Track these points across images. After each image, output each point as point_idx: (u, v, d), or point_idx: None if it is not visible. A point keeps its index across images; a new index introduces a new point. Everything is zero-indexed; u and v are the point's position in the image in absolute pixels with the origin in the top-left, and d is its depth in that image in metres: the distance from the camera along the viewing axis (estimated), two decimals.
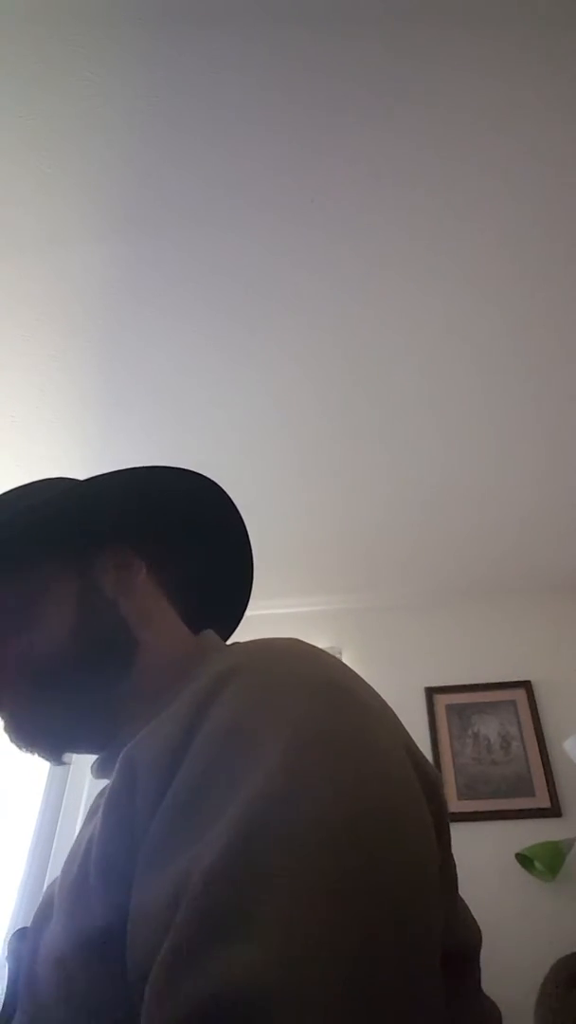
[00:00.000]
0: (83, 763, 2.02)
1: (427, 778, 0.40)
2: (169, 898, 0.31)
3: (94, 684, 0.52)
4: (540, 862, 1.65)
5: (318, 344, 1.44)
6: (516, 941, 1.54)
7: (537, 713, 2.00)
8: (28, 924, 0.48)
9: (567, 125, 1.07)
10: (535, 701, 2.03)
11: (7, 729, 0.53)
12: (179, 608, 0.61)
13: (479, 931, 0.44)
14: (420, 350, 1.46)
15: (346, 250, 1.25)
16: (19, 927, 0.48)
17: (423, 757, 0.42)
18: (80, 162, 1.12)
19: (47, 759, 0.55)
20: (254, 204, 1.18)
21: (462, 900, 0.44)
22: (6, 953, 0.46)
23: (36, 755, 0.55)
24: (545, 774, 1.88)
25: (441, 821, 0.41)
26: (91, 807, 0.52)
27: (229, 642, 0.62)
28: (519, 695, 2.05)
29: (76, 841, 0.48)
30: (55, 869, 1.83)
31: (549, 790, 1.86)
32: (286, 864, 0.30)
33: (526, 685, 2.06)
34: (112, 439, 1.69)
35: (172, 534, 0.62)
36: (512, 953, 1.47)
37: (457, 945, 0.40)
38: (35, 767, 2.08)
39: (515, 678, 2.08)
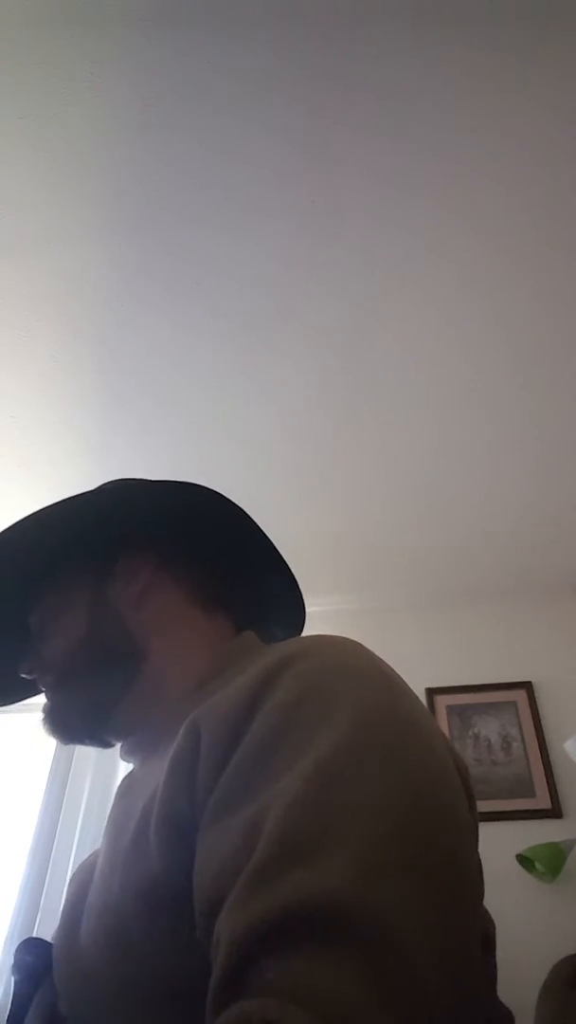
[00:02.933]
0: (82, 764, 2.01)
1: (462, 773, 0.43)
2: (247, 831, 0.33)
3: (103, 688, 0.56)
4: (541, 863, 1.65)
5: (317, 346, 1.44)
6: (517, 942, 1.54)
7: (538, 714, 2.00)
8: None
9: (569, 128, 1.07)
10: (536, 702, 2.03)
11: (45, 728, 0.58)
12: (217, 605, 0.62)
13: (494, 926, 0.46)
14: (419, 353, 1.46)
15: (346, 253, 1.25)
16: (29, 937, 0.48)
17: (456, 751, 0.45)
18: (80, 163, 1.12)
19: (87, 744, 0.60)
20: (253, 206, 1.18)
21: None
22: (12, 963, 0.47)
23: (68, 744, 0.60)
24: (546, 775, 1.88)
25: (472, 812, 0.43)
26: (120, 787, 0.55)
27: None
28: (520, 696, 2.05)
29: (112, 820, 0.50)
30: (55, 869, 1.83)
31: (550, 791, 1.85)
32: (359, 805, 0.32)
33: (527, 686, 2.06)
34: (112, 439, 1.69)
35: (192, 535, 0.63)
36: (513, 954, 1.46)
37: (482, 935, 0.41)
38: (35, 767, 2.08)
39: (516, 679, 2.08)
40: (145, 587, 0.59)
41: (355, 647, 0.46)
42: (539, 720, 1.99)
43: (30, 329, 1.40)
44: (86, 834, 1.89)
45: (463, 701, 2.07)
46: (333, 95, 1.03)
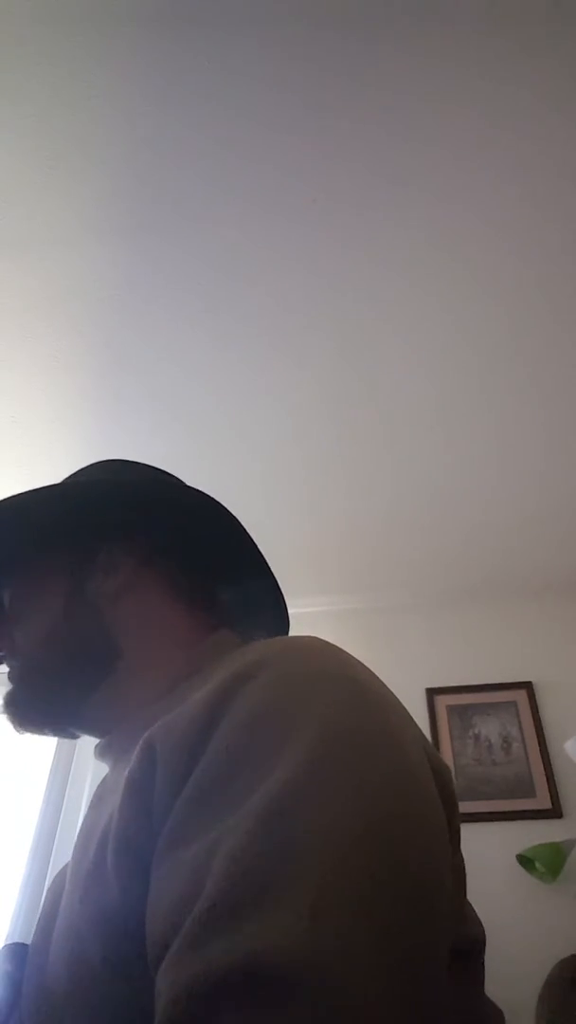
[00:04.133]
0: (82, 764, 2.02)
1: (440, 774, 0.41)
2: (197, 869, 0.31)
3: (72, 684, 0.54)
4: (541, 863, 1.65)
5: (319, 344, 1.44)
6: (517, 942, 1.54)
7: (538, 714, 2.00)
8: (18, 929, 0.48)
9: (571, 123, 1.07)
10: (536, 702, 2.03)
11: (4, 709, 0.56)
12: (199, 606, 0.60)
13: (483, 929, 0.44)
14: (422, 351, 1.46)
15: (347, 250, 1.25)
16: (10, 943, 0.48)
17: (435, 752, 0.43)
18: (81, 162, 1.12)
19: (52, 735, 0.58)
20: (254, 204, 1.18)
21: (468, 902, 0.45)
22: None
23: (36, 734, 0.57)
24: (546, 775, 1.88)
25: (452, 814, 0.41)
26: (95, 793, 0.54)
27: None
28: (520, 696, 2.05)
29: (82, 830, 0.49)
30: (55, 869, 1.83)
31: (550, 791, 1.85)
32: (315, 842, 0.30)
33: (527, 686, 2.06)
34: (113, 439, 1.69)
35: (174, 529, 0.61)
36: (513, 954, 1.47)
37: (465, 941, 0.40)
38: (37, 766, 2.08)
39: (516, 679, 2.08)
40: (125, 582, 0.57)
41: (321, 652, 0.44)
42: (539, 720, 1.99)
43: (31, 328, 1.40)
44: None
45: (463, 701, 2.06)
46: (334, 92, 1.03)
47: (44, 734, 0.57)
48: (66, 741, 2.06)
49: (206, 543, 0.62)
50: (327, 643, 0.46)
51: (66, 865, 0.52)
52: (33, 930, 0.48)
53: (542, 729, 1.97)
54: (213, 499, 0.59)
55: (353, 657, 0.45)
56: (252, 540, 0.62)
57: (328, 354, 1.46)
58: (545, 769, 1.89)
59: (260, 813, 0.31)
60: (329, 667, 0.41)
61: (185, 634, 0.57)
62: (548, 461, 1.76)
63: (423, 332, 1.41)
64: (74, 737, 0.59)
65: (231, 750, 0.35)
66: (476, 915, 0.45)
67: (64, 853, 1.86)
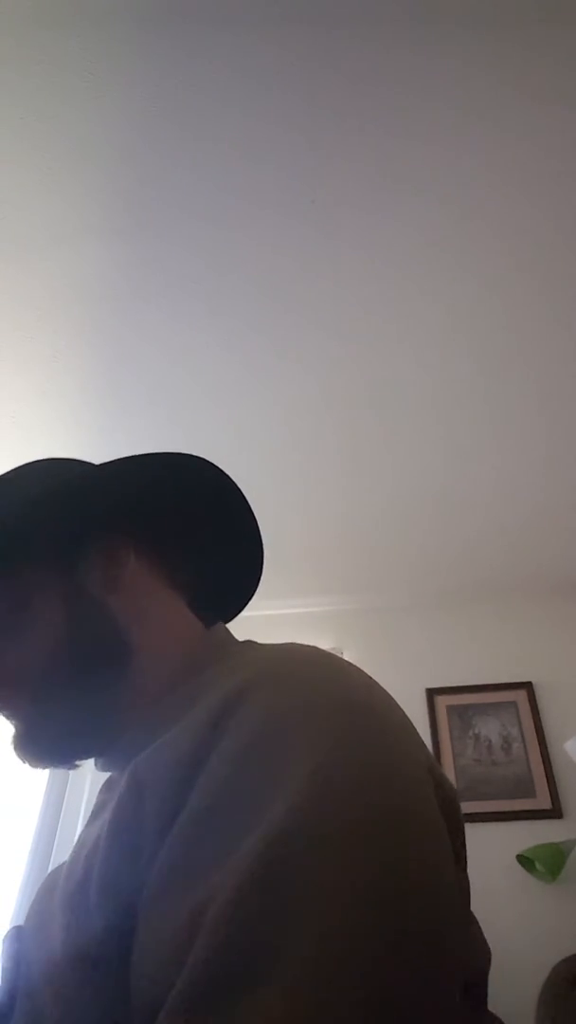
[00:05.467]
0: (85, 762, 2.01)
1: (447, 799, 0.39)
2: (184, 929, 0.29)
3: (89, 693, 0.49)
4: (541, 863, 1.65)
5: (320, 344, 1.44)
6: (517, 942, 1.54)
7: (538, 714, 2.00)
8: (22, 921, 0.47)
9: (570, 120, 1.07)
10: (536, 702, 2.03)
11: (15, 746, 0.51)
12: (187, 593, 0.57)
13: (488, 949, 0.42)
14: (422, 350, 1.46)
15: (348, 249, 1.25)
16: (14, 925, 0.47)
17: (441, 773, 0.41)
18: (81, 162, 1.12)
19: (57, 768, 0.54)
20: (254, 204, 1.18)
21: (474, 918, 0.43)
22: (1, 952, 0.46)
23: (45, 768, 0.53)
24: (546, 775, 1.88)
25: (458, 841, 0.39)
26: (96, 803, 0.52)
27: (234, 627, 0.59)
28: (520, 696, 2.05)
29: (79, 841, 0.47)
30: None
31: (550, 791, 1.85)
32: (310, 902, 0.28)
33: (527, 686, 2.06)
34: (113, 439, 1.69)
35: (168, 514, 0.57)
36: (513, 954, 1.46)
37: (473, 973, 0.38)
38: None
39: (516, 679, 2.08)
40: (122, 572, 0.52)
41: (321, 666, 0.41)
42: (539, 720, 1.99)
43: (30, 329, 1.40)
44: None
45: (463, 701, 2.06)
46: (334, 93, 1.03)
47: (63, 766, 0.53)
48: None
49: (195, 517, 0.58)
50: (324, 656, 0.43)
51: (62, 864, 0.50)
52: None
53: (542, 729, 1.97)
54: (192, 461, 0.55)
55: (353, 669, 0.42)
56: (241, 501, 0.58)
57: (328, 354, 1.46)
58: (545, 769, 1.89)
59: (247, 869, 0.29)
60: (324, 688, 0.39)
61: (182, 626, 0.54)
62: (548, 461, 1.76)
63: (423, 331, 1.41)
64: (76, 767, 0.54)
65: (220, 787, 0.33)
66: (481, 935, 0.43)
67: (64, 854, 1.86)
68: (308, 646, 0.44)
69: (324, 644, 2.03)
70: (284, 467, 1.78)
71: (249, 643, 0.54)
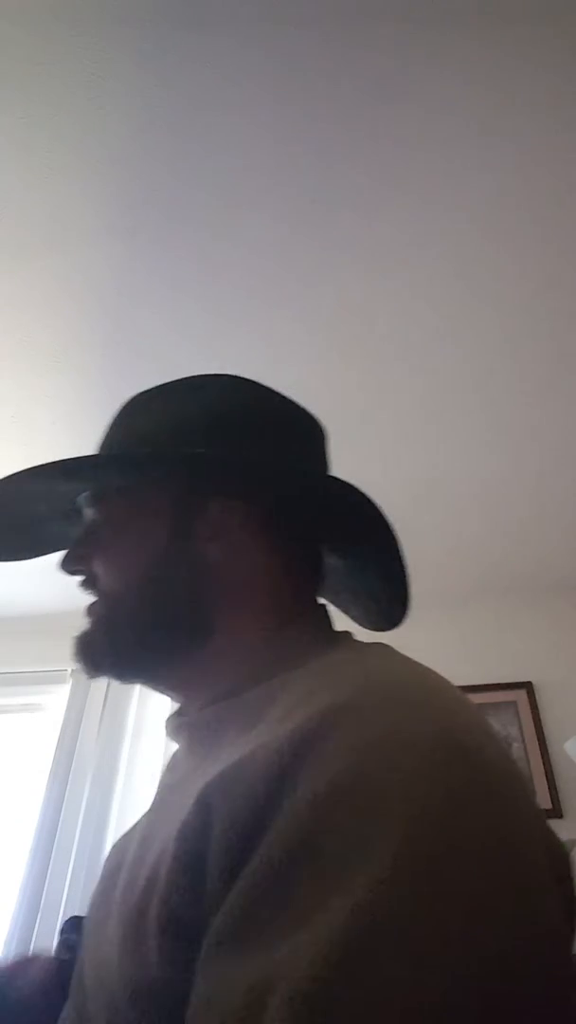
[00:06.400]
0: (83, 764, 2.01)
1: (559, 859, 0.33)
2: (246, 1003, 0.26)
3: (154, 638, 0.49)
4: None
5: (317, 344, 1.44)
6: None
7: (538, 714, 2.00)
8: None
9: (565, 125, 1.07)
10: (536, 702, 2.03)
11: (75, 652, 0.51)
12: (304, 591, 0.54)
13: None
14: (419, 350, 1.46)
15: (347, 250, 1.25)
16: (72, 916, 0.46)
17: (550, 831, 0.35)
18: (80, 164, 1.12)
19: (112, 679, 0.53)
20: (252, 206, 1.18)
21: None
22: (58, 941, 0.46)
23: (99, 675, 0.51)
24: (546, 775, 1.88)
25: (572, 906, 0.33)
26: (162, 783, 0.50)
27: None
28: (520, 696, 2.04)
29: (148, 823, 0.44)
30: (55, 869, 1.83)
31: (550, 791, 1.85)
32: (395, 1003, 0.24)
33: (527, 686, 2.06)
34: None
35: (305, 506, 0.55)
36: None
37: None
38: (35, 767, 2.08)
39: (516, 679, 2.08)
40: (232, 547, 0.50)
41: (423, 695, 0.36)
42: (539, 720, 1.99)
43: (29, 331, 1.40)
44: (86, 834, 1.89)
45: None
46: (333, 94, 1.03)
47: (117, 680, 0.52)
48: (66, 741, 2.07)
49: (330, 519, 0.55)
50: (433, 684, 0.38)
51: (127, 837, 0.48)
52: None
53: (542, 729, 1.97)
54: (356, 490, 0.51)
55: (458, 698, 0.37)
56: (391, 531, 0.54)
57: (326, 355, 1.46)
58: (545, 769, 1.89)
59: (322, 950, 0.25)
60: (427, 728, 0.33)
61: (273, 619, 0.51)
62: (548, 461, 1.76)
63: (420, 331, 1.41)
64: (133, 682, 0.54)
65: (296, 838, 0.29)
66: None
67: (64, 854, 1.86)
68: (411, 664, 0.40)
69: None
70: None
71: (346, 637, 0.51)
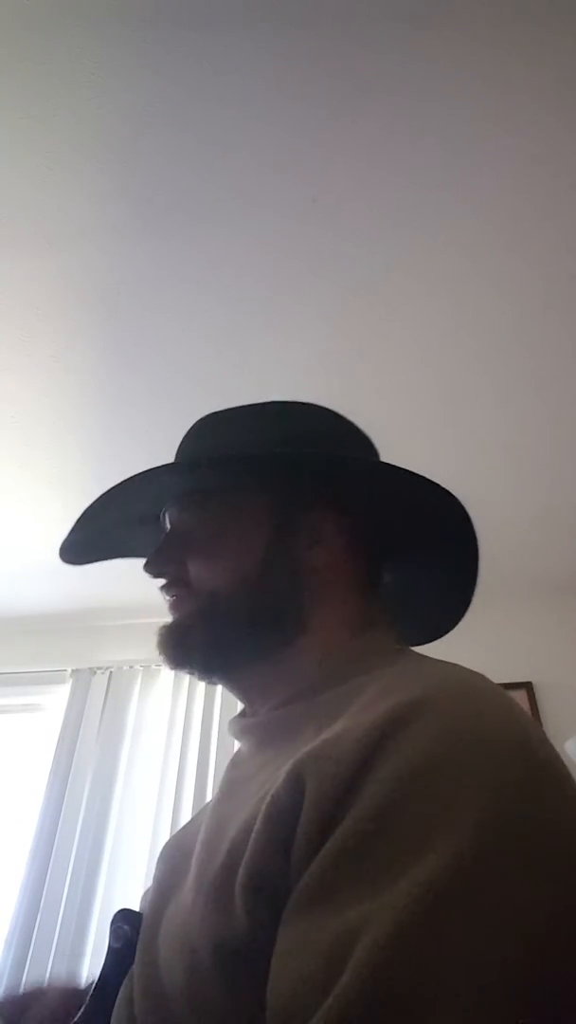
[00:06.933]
0: (83, 764, 2.01)
1: None
2: (329, 955, 0.28)
3: (247, 641, 0.51)
4: None
5: (322, 343, 1.44)
6: None
7: (538, 715, 2.00)
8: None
9: (572, 121, 1.07)
10: (536, 703, 2.03)
11: (159, 640, 0.53)
12: (371, 600, 0.57)
13: None
14: (425, 349, 1.46)
15: (349, 250, 1.25)
16: (123, 908, 0.47)
17: None
18: (81, 162, 1.12)
19: (196, 676, 0.55)
20: (255, 204, 1.18)
21: None
22: (111, 931, 0.46)
23: (184, 671, 0.54)
24: None
25: None
26: (224, 780, 0.52)
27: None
28: (520, 697, 2.04)
29: (217, 814, 0.46)
30: (55, 869, 1.83)
31: None
32: (470, 958, 0.26)
33: (527, 686, 2.06)
34: (113, 439, 1.69)
35: (398, 528, 0.58)
36: None
37: None
38: (35, 767, 2.08)
39: (516, 679, 2.08)
40: (327, 558, 0.53)
41: (492, 699, 0.39)
42: (539, 720, 1.98)
43: (31, 329, 1.40)
44: (86, 834, 1.89)
45: None
46: (334, 91, 1.03)
47: (189, 673, 0.54)
48: (66, 741, 2.06)
49: (415, 534, 0.58)
50: (495, 688, 0.41)
51: (185, 832, 0.50)
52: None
53: (542, 729, 1.97)
54: (445, 492, 0.56)
55: (519, 707, 0.41)
56: (474, 539, 0.58)
57: (330, 353, 1.46)
58: None
59: (409, 905, 0.28)
60: (501, 725, 0.36)
61: (357, 623, 0.54)
62: (549, 461, 1.76)
63: (426, 330, 1.41)
64: (215, 683, 0.56)
65: (383, 810, 0.32)
66: None
67: (64, 854, 1.85)
68: (474, 673, 0.43)
69: None
70: None
71: (413, 653, 0.54)
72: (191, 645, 0.52)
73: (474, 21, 0.95)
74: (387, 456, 0.60)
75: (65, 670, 2.21)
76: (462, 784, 0.32)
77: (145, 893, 0.50)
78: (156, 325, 1.40)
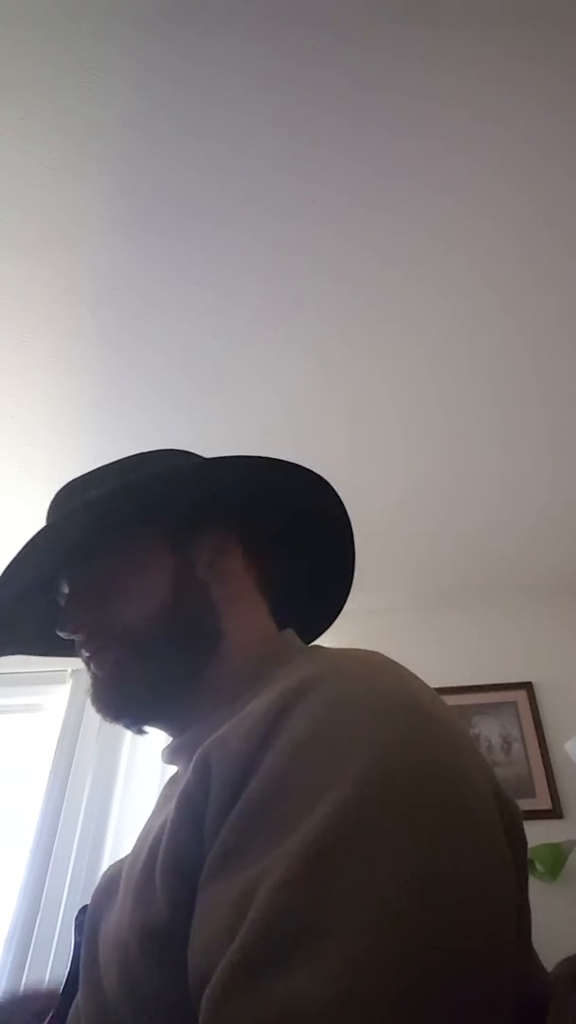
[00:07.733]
0: (83, 764, 2.01)
1: (509, 812, 0.39)
2: (235, 907, 0.31)
3: (180, 664, 0.52)
4: (541, 864, 1.65)
5: (322, 342, 1.44)
6: None
7: (538, 714, 2.00)
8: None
9: (570, 117, 1.07)
10: (536, 702, 2.03)
11: (95, 696, 0.54)
12: (269, 602, 0.61)
13: (549, 979, 0.43)
14: (425, 349, 1.46)
15: (349, 250, 1.25)
16: (85, 905, 0.49)
17: (503, 789, 0.41)
18: (82, 163, 1.12)
19: (130, 728, 0.56)
20: (255, 204, 1.18)
21: (534, 953, 0.44)
22: (75, 924, 0.48)
23: (119, 723, 0.55)
24: (546, 776, 1.88)
25: (520, 860, 0.39)
26: (162, 794, 0.54)
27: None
28: (520, 696, 2.04)
29: (145, 828, 0.49)
30: (55, 870, 1.83)
31: (550, 792, 1.85)
32: (356, 892, 0.29)
33: (527, 686, 2.06)
34: (114, 439, 1.69)
35: (277, 527, 0.62)
36: None
37: (530, 999, 0.39)
38: (35, 767, 2.08)
39: (516, 679, 2.08)
40: (231, 566, 0.57)
41: (382, 669, 0.42)
42: (539, 721, 1.99)
43: (31, 328, 1.40)
44: (86, 834, 1.89)
45: (463, 701, 2.06)
46: (334, 91, 1.03)
47: (124, 723, 0.55)
48: (66, 741, 2.06)
49: (296, 529, 0.62)
50: (389, 660, 0.44)
51: (122, 859, 0.52)
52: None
53: (542, 729, 1.97)
54: (311, 475, 0.60)
55: (415, 677, 0.43)
56: (349, 527, 0.64)
57: (330, 353, 1.46)
58: (545, 769, 1.89)
59: (299, 853, 0.30)
60: (387, 688, 0.39)
61: (264, 626, 0.58)
62: (549, 461, 1.76)
63: (425, 330, 1.41)
64: (143, 732, 0.57)
65: (279, 776, 0.35)
66: (541, 966, 0.44)
67: (64, 854, 1.86)
68: (369, 650, 0.46)
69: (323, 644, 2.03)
70: None
71: (317, 647, 0.57)
72: (131, 687, 0.52)
73: (474, 21, 0.95)
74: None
75: (65, 670, 2.21)
76: (349, 745, 0.34)
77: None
78: (156, 325, 1.40)
